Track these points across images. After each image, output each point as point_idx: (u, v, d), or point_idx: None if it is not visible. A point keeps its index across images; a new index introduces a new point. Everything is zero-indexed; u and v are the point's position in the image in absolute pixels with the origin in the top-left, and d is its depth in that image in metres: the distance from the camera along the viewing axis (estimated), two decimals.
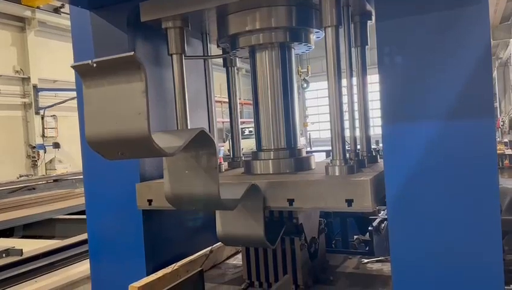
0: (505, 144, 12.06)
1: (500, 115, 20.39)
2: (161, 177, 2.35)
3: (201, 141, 1.54)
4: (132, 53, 1.21)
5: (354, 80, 2.36)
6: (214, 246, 2.48)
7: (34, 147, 17.41)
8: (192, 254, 2.40)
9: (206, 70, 2.60)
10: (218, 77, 3.21)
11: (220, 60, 2.72)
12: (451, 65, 1.58)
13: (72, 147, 17.24)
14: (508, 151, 10.60)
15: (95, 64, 1.26)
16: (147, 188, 2.16)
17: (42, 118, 17.76)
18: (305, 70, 22.17)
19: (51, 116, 18.12)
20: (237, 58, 2.66)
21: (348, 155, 1.97)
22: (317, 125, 29.98)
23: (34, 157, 17.39)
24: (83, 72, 1.33)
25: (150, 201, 2.13)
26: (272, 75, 2.24)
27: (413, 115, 1.63)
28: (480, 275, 1.54)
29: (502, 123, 17.59)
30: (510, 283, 2.43)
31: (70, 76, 2.43)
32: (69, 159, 17.92)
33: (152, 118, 2.36)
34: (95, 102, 1.34)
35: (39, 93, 17.60)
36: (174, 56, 2.21)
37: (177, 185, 1.69)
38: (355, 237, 2.63)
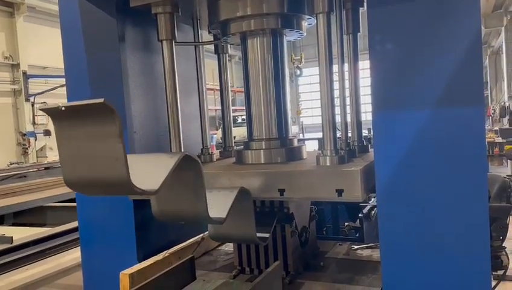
0: (496, 132, 12.16)
1: (491, 104, 20.55)
2: None
3: (186, 163, 1.46)
4: (102, 100, 1.13)
5: (346, 66, 2.35)
6: (206, 233, 2.47)
7: (25, 135, 17.23)
8: (183, 241, 2.39)
9: (197, 57, 2.56)
10: (211, 64, 3.17)
11: (212, 47, 2.69)
12: (442, 53, 1.57)
13: None
14: (498, 139, 10.69)
15: (63, 108, 1.18)
16: None
17: (32, 105, 17.55)
18: (299, 57, 22.07)
19: (42, 103, 17.89)
20: (229, 46, 2.63)
21: (339, 145, 1.96)
22: (310, 112, 29.96)
23: (25, 144, 17.22)
24: (52, 114, 1.24)
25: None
26: (263, 62, 2.21)
27: (404, 102, 1.63)
28: (468, 261, 1.57)
29: (492, 111, 17.73)
30: (497, 269, 2.46)
31: (61, 63, 2.39)
32: None
33: (142, 105, 2.36)
34: (69, 145, 1.25)
35: (29, 80, 17.37)
36: (164, 42, 2.18)
37: (164, 203, 1.64)
38: (345, 224, 2.65)
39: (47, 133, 17.72)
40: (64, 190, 7.75)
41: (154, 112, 2.43)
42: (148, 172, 1.34)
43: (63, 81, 2.45)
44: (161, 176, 1.30)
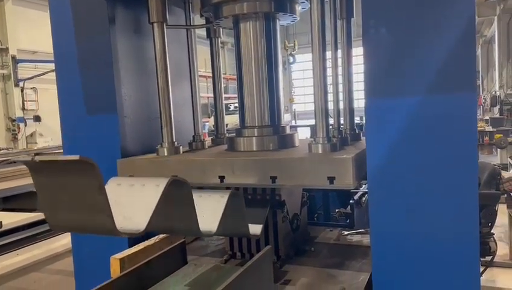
0: (486, 121, 12.27)
1: (483, 93, 20.67)
2: (143, 153, 2.34)
3: (175, 186, 1.39)
4: (77, 157, 1.06)
5: (339, 53, 2.34)
6: None
7: (14, 120, 17.03)
8: None
9: (189, 41, 2.53)
10: (204, 52, 3.14)
11: (204, 34, 2.65)
12: (436, 39, 1.57)
13: (53, 120, 16.81)
14: (489, 129, 10.79)
15: (37, 160, 1.11)
16: (129, 164, 2.13)
17: (22, 90, 17.32)
18: (292, 45, 21.95)
19: (31, 88, 17.67)
20: (222, 30, 2.60)
21: (331, 132, 1.96)
22: (303, 98, 29.91)
23: (14, 130, 17.03)
24: (28, 165, 1.17)
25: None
26: (256, 46, 2.19)
27: (396, 89, 1.63)
28: (457, 247, 1.58)
29: (483, 101, 17.85)
30: (485, 255, 2.50)
31: (51, 47, 2.35)
32: (51, 132, 17.59)
33: (133, 90, 2.33)
34: (48, 195, 1.19)
35: (18, 65, 17.10)
36: (155, 24, 2.15)
37: (154, 219, 1.62)
38: (336, 210, 2.67)
39: (37, 119, 17.53)
40: None
41: (145, 97, 2.41)
42: (134, 208, 1.28)
43: (53, 66, 2.40)
44: (147, 211, 1.25)
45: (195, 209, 1.45)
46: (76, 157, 1.05)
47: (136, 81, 2.36)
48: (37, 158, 1.12)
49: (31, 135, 17.61)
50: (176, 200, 1.40)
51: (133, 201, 1.29)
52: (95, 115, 2.27)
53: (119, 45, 2.25)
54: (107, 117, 2.23)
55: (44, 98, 17.48)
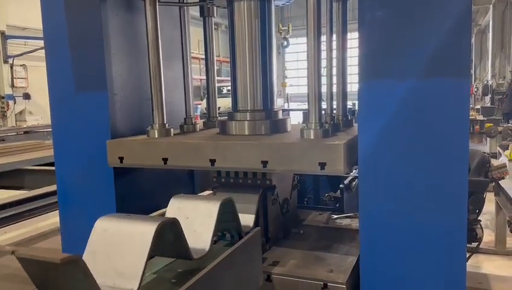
0: (477, 110, 12.36)
1: (475, 82, 20.76)
2: (133, 134, 2.31)
3: (164, 229, 1.36)
4: (59, 261, 0.98)
5: (334, 36, 2.31)
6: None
7: (3, 98, 16.78)
8: (165, 207, 2.38)
9: (182, 21, 2.48)
10: (197, 33, 3.09)
11: (198, 14, 2.60)
12: (432, 23, 1.56)
13: (43, 98, 16.55)
14: (480, 117, 10.89)
15: (16, 256, 1.05)
16: (118, 145, 2.11)
17: (11, 67, 17.03)
18: (286, 28, 21.77)
19: (21, 65, 17.39)
20: (215, 10, 2.54)
21: (324, 118, 1.95)
22: (296, 81, 29.82)
23: (3, 108, 16.81)
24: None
25: (121, 158, 2.08)
26: (250, 27, 2.15)
27: (390, 72, 1.62)
28: (445, 232, 1.60)
29: (475, 90, 17.95)
30: (471, 241, 2.54)
31: (41, 23, 2.29)
32: (41, 111, 17.38)
33: (123, 67, 2.28)
34: (35, 278, 1.12)
35: (7, 41, 16.77)
36: (147, 1, 2.09)
37: (145, 270, 1.58)
38: (326, 194, 2.70)
39: (26, 96, 17.30)
40: (43, 154, 7.61)
41: (136, 77, 2.36)
42: (125, 261, 1.25)
43: (43, 43, 2.35)
44: (139, 265, 1.22)
45: (186, 243, 1.43)
46: (57, 260, 0.97)
47: (127, 60, 2.32)
48: (17, 254, 1.05)
49: (20, 112, 17.42)
50: (166, 241, 1.39)
51: (123, 252, 1.26)
52: (85, 92, 2.22)
53: (110, 21, 2.20)
54: (97, 95, 2.18)
55: (35, 76, 17.22)
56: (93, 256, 1.29)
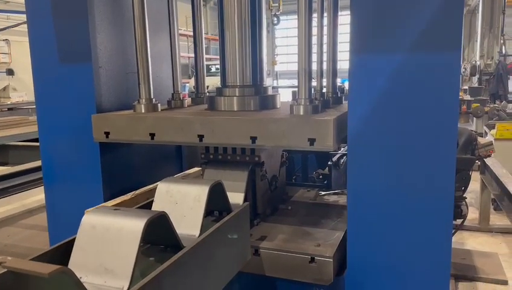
0: (464, 90, 12.44)
1: (463, 63, 20.83)
2: (118, 109, 2.27)
3: (153, 224, 1.32)
4: (47, 274, 0.95)
5: (325, 13, 2.28)
6: (177, 176, 2.45)
7: None
8: (153, 183, 2.36)
9: None
10: (184, 9, 3.01)
11: None
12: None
13: (28, 74, 16.13)
14: (467, 97, 10.96)
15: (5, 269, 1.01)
16: (104, 120, 2.07)
17: None
18: (276, 5, 21.43)
19: (3, 40, 16.91)
20: None
21: (313, 95, 1.93)
22: (286, 58, 29.56)
23: None
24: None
25: (107, 133, 2.05)
26: (240, 1, 2.10)
27: (381, 48, 1.61)
28: (432, 208, 1.62)
29: (463, 70, 18.00)
30: (456, 218, 2.59)
31: None
32: (25, 87, 16.99)
33: (108, 39, 2.21)
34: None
35: None
36: None
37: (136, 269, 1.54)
38: (314, 171, 2.71)
39: (10, 72, 16.87)
40: (28, 129, 7.47)
41: (122, 49, 2.30)
42: (114, 259, 1.22)
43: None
44: (128, 262, 1.19)
45: (175, 231, 1.41)
46: (45, 274, 0.95)
47: (112, 31, 2.24)
48: (3, 266, 1.01)
49: (4, 89, 17.01)
50: (155, 233, 1.37)
51: (112, 249, 1.23)
52: (69, 65, 2.16)
53: None
54: (81, 67, 2.12)
55: (18, 51, 16.77)
56: (82, 253, 1.26)
